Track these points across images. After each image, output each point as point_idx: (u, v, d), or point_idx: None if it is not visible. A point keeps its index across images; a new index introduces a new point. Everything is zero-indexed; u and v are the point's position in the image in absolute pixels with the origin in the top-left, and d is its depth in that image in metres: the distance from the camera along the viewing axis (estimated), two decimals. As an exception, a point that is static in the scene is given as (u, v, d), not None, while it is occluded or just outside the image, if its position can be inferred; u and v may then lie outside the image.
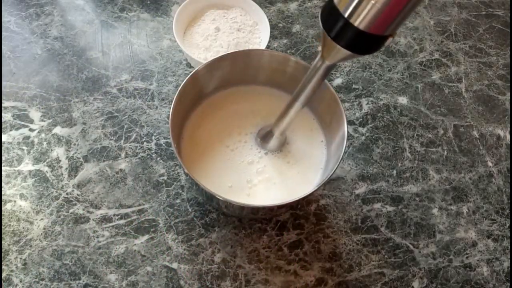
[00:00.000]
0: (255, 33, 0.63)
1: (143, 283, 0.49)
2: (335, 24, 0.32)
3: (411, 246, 0.54)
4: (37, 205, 0.52)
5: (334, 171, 0.43)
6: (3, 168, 0.54)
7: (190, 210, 0.53)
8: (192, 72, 0.47)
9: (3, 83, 0.60)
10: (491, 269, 0.54)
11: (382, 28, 0.30)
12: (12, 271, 0.48)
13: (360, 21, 0.30)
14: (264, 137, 0.50)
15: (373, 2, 0.28)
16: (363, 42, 0.32)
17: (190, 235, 0.52)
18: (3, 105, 0.58)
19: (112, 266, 0.49)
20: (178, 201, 0.54)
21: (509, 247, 0.55)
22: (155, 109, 0.60)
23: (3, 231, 0.50)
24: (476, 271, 0.53)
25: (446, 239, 0.55)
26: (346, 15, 0.30)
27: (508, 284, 0.53)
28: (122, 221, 0.52)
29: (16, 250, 0.49)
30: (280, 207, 0.47)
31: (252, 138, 0.52)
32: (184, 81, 0.46)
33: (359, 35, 0.31)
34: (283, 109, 0.45)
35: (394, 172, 0.59)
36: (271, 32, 0.62)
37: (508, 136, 0.64)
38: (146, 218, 0.52)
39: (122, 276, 0.49)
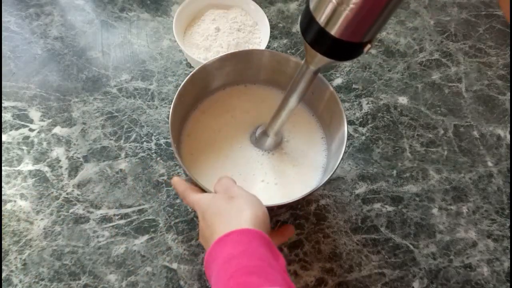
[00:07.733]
0: (255, 33, 0.63)
1: (143, 283, 0.49)
2: (312, 32, 0.32)
3: (411, 246, 0.54)
4: (37, 205, 0.52)
5: (334, 171, 0.43)
6: (3, 168, 0.54)
7: (190, 210, 0.53)
8: (192, 72, 0.47)
9: (3, 83, 0.60)
10: (491, 269, 0.54)
11: (358, 36, 0.30)
12: (12, 271, 0.48)
13: (336, 29, 0.30)
14: (259, 137, 0.51)
15: (346, 11, 0.28)
16: (341, 50, 0.32)
17: (190, 235, 0.52)
18: (3, 105, 0.58)
19: (112, 266, 0.49)
20: (178, 201, 0.54)
21: (509, 247, 0.55)
22: (155, 109, 0.60)
23: (3, 231, 0.50)
24: (476, 271, 0.53)
25: (446, 239, 0.55)
26: (321, 23, 0.30)
27: (508, 284, 0.53)
28: (122, 221, 0.52)
29: (16, 250, 0.49)
30: (280, 207, 0.47)
31: (252, 138, 0.52)
32: (184, 81, 0.46)
33: (336, 43, 0.31)
34: (275, 111, 0.45)
35: (394, 172, 0.59)
36: (271, 32, 0.62)
37: (508, 136, 0.64)
38: (146, 218, 0.52)
39: (122, 277, 0.49)
